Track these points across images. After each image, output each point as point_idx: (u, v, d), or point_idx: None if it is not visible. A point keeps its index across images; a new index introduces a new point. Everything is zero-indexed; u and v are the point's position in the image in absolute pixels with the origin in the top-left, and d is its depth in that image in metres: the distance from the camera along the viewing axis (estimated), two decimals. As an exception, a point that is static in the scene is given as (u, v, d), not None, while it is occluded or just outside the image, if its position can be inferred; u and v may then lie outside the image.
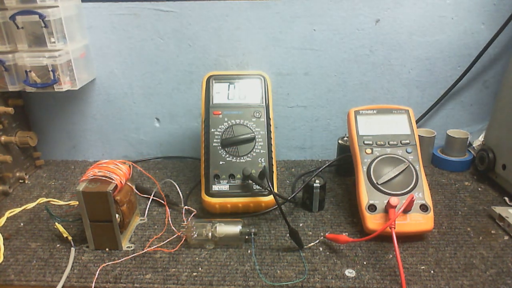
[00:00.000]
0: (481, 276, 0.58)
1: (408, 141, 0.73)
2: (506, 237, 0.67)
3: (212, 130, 0.76)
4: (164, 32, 0.87)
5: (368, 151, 0.72)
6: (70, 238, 0.66)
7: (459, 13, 0.84)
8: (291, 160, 0.97)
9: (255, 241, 0.66)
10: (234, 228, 0.65)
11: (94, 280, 0.58)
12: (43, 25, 0.75)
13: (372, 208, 0.67)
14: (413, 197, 0.64)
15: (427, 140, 0.89)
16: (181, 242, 0.66)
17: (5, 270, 0.61)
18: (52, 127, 0.96)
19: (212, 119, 0.76)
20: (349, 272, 0.59)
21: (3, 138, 0.82)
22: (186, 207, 0.75)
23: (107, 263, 0.62)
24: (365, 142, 0.73)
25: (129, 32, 0.87)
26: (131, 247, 0.66)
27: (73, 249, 0.65)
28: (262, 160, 0.74)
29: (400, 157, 0.71)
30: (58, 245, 0.66)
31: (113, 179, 0.63)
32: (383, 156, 0.71)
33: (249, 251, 0.64)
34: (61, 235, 0.67)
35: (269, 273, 0.60)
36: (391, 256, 0.63)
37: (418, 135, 0.75)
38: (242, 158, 0.74)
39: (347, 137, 0.83)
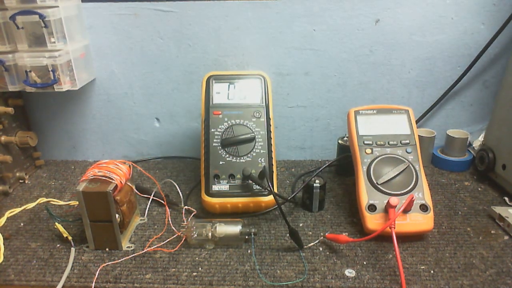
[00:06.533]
0: (481, 276, 0.58)
1: (408, 141, 0.73)
2: (506, 237, 0.67)
3: (212, 130, 0.76)
4: (164, 32, 0.87)
5: (368, 151, 0.72)
6: (70, 238, 0.66)
7: (459, 13, 0.84)
8: (291, 160, 0.97)
9: (255, 241, 0.66)
10: (234, 228, 0.65)
11: (94, 280, 0.58)
12: (43, 25, 0.75)
13: (372, 208, 0.67)
14: (413, 197, 0.64)
15: (427, 140, 0.89)
16: (181, 242, 0.66)
17: (5, 270, 0.61)
18: (52, 127, 0.96)
19: (212, 119, 0.76)
20: (349, 272, 0.59)
21: (3, 138, 0.82)
22: (186, 207, 0.75)
23: (107, 263, 0.62)
24: (365, 142, 0.73)
25: (129, 32, 0.87)
26: (131, 247, 0.66)
27: (73, 249, 0.65)
28: (262, 160, 0.74)
29: (400, 157, 0.71)
30: (58, 245, 0.67)
31: (113, 179, 0.63)
32: (383, 156, 0.71)
33: (249, 251, 0.64)
34: (61, 235, 0.67)
35: (269, 273, 0.60)
36: (391, 256, 0.63)
37: (418, 135, 0.75)
38: (242, 158, 0.74)
39: (347, 137, 0.83)
